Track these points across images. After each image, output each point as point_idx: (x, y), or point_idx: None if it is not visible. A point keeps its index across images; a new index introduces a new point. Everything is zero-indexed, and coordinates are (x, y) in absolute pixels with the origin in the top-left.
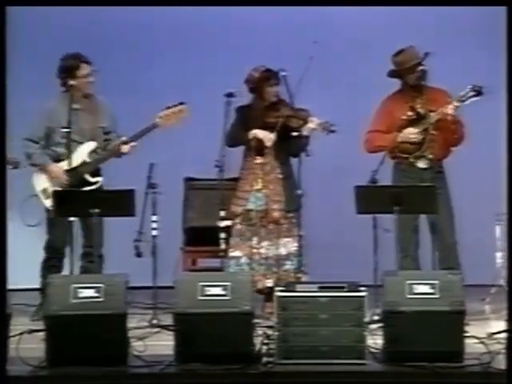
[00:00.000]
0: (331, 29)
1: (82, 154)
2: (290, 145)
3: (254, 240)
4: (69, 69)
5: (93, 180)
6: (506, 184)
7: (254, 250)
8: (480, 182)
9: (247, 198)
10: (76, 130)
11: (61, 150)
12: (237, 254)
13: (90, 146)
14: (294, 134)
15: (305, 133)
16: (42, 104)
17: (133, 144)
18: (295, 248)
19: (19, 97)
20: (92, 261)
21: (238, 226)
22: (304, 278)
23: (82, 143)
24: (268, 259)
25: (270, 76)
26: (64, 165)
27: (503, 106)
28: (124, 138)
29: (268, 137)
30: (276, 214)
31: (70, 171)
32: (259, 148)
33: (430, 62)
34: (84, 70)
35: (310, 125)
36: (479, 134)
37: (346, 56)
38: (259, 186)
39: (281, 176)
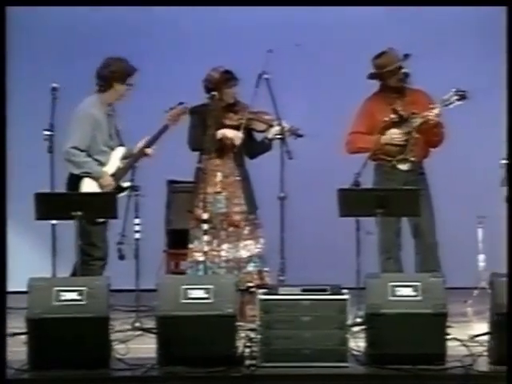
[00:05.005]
0: (317, 30)
1: (115, 159)
2: (251, 147)
3: (214, 243)
4: (123, 73)
5: (125, 185)
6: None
7: (215, 253)
8: (461, 184)
9: (211, 201)
10: (109, 136)
11: (103, 158)
12: (198, 258)
13: (121, 151)
14: (270, 137)
15: (269, 136)
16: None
17: (153, 147)
18: (258, 250)
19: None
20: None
21: (201, 231)
22: (268, 279)
23: (113, 149)
24: (229, 262)
25: (229, 77)
26: (109, 170)
27: (487, 106)
28: (143, 142)
29: (238, 135)
30: (237, 217)
31: (112, 176)
32: (224, 149)
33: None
34: (133, 79)
35: (276, 129)
36: (460, 136)
37: (331, 58)
38: (218, 189)
39: (239, 178)
